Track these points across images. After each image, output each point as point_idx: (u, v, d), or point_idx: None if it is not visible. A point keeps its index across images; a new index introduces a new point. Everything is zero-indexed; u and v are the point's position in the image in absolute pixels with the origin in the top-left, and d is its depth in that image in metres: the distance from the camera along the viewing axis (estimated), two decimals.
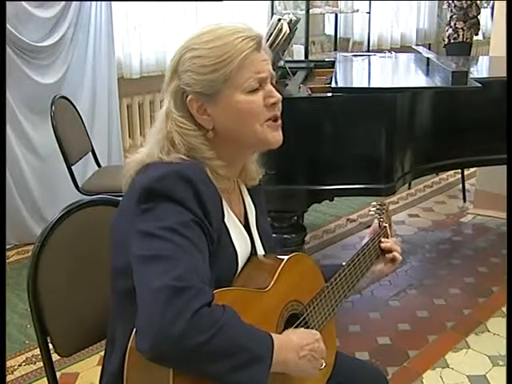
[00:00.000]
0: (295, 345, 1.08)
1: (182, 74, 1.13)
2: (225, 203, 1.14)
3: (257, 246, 1.26)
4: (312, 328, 1.20)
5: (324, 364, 1.14)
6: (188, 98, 1.12)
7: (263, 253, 1.27)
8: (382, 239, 1.45)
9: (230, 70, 1.10)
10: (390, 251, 1.44)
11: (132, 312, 0.99)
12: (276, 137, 1.17)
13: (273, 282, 1.14)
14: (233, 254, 1.15)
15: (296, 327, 1.17)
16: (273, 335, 1.04)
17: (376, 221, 1.50)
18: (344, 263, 1.38)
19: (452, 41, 5.77)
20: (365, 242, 1.43)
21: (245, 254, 1.20)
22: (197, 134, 1.13)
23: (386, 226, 1.49)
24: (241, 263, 1.17)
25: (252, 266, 1.20)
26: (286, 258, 1.20)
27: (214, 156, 1.13)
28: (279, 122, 1.18)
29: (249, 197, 1.29)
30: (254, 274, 1.17)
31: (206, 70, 1.11)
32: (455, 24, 5.79)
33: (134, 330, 0.99)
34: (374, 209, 1.53)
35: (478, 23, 5.87)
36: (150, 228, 1.01)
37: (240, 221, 1.21)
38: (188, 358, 0.94)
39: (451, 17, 5.86)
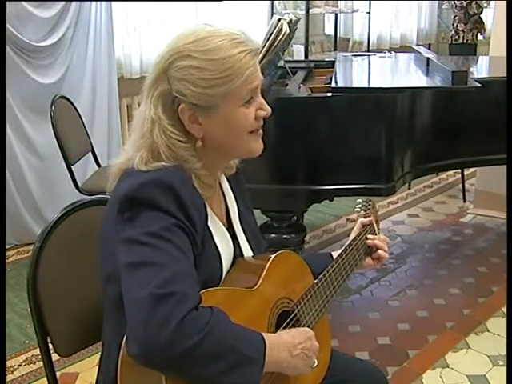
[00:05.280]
0: (288, 344, 1.08)
1: (174, 80, 1.08)
2: (207, 206, 1.13)
3: (241, 243, 1.25)
4: (304, 325, 1.20)
5: (316, 362, 1.15)
6: (180, 107, 1.09)
7: (249, 249, 1.26)
8: (368, 236, 1.46)
9: (232, 86, 1.08)
10: (377, 249, 1.45)
11: (124, 317, 0.99)
12: (258, 146, 1.17)
13: (260, 280, 1.13)
14: (217, 258, 1.14)
15: (287, 324, 1.17)
16: (264, 335, 1.04)
17: (359, 217, 1.50)
18: (332, 252, 1.40)
19: (454, 42, 5.79)
20: (352, 236, 1.44)
21: (228, 256, 1.19)
22: (186, 146, 1.10)
23: (372, 221, 1.49)
24: (225, 266, 1.16)
25: (238, 268, 1.20)
26: (272, 256, 1.19)
27: (200, 167, 1.11)
28: (261, 131, 1.17)
29: (230, 190, 1.27)
30: (241, 276, 1.17)
31: (206, 84, 1.07)
32: (457, 26, 5.81)
33: (126, 335, 0.99)
34: (360, 205, 1.54)
35: (481, 21, 5.87)
36: (133, 235, 1.01)
37: (222, 221, 1.21)
38: (178, 362, 0.94)
39: (454, 18, 5.88)
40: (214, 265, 1.14)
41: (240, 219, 1.27)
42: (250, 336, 1.03)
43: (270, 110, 1.16)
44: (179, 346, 0.93)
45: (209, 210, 1.14)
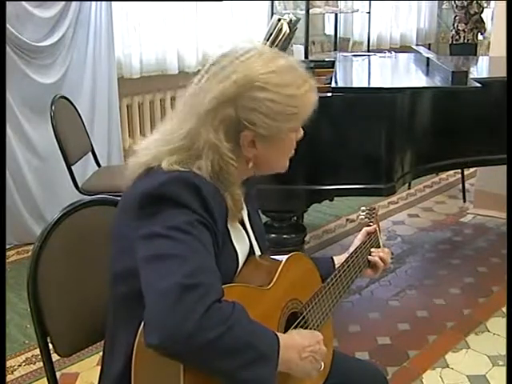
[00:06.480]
0: (298, 345, 1.09)
1: (244, 108, 1.08)
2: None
3: (253, 243, 1.26)
4: (311, 327, 1.21)
5: (323, 365, 1.15)
6: (244, 133, 1.10)
7: (258, 250, 1.27)
8: (373, 250, 1.48)
9: (300, 120, 1.15)
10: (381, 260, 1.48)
11: (134, 314, 0.99)
12: (288, 162, 1.24)
13: (274, 280, 1.15)
14: (234, 256, 1.15)
15: (296, 326, 1.18)
16: (278, 334, 1.05)
17: (363, 226, 1.53)
18: (334, 257, 1.43)
19: (454, 42, 5.80)
20: (358, 243, 1.46)
21: (244, 254, 1.20)
22: (238, 171, 1.12)
23: (376, 229, 1.53)
24: (241, 264, 1.18)
25: (251, 266, 1.21)
26: (285, 257, 1.21)
27: (240, 193, 1.14)
28: None
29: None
30: (254, 274, 1.18)
31: (280, 118, 1.10)
32: (457, 26, 5.82)
33: (142, 325, 0.99)
34: (364, 213, 1.57)
35: (482, 21, 5.87)
36: (156, 229, 1.01)
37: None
38: (197, 354, 0.95)
39: (455, 18, 5.88)
40: (230, 265, 1.14)
41: (249, 219, 1.28)
42: (266, 333, 1.03)
43: (302, 132, 1.22)
44: (201, 338, 0.93)
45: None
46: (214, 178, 1.09)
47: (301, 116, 1.14)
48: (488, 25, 6.07)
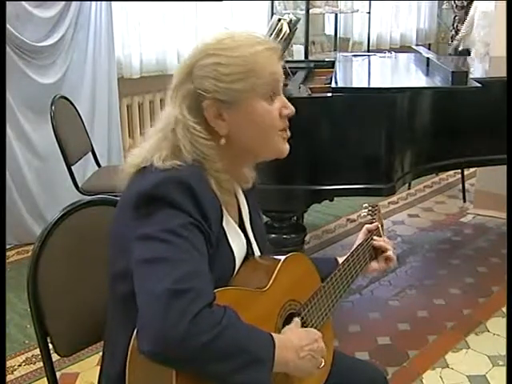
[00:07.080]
0: (295, 345, 1.08)
1: (198, 78, 1.10)
2: (223, 208, 1.14)
3: (253, 244, 1.25)
4: (310, 327, 1.20)
5: (323, 363, 1.15)
6: (205, 104, 1.10)
7: (258, 251, 1.27)
8: (375, 237, 1.47)
9: (255, 81, 1.11)
10: (384, 251, 1.46)
11: (133, 315, 0.99)
12: (285, 147, 1.19)
13: (271, 281, 1.14)
14: (230, 256, 1.15)
15: None
16: (273, 335, 1.04)
17: (365, 223, 1.52)
18: (338, 258, 1.42)
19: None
20: (358, 242, 1.45)
21: (241, 255, 1.20)
22: (211, 143, 1.10)
23: (378, 227, 1.51)
24: (238, 265, 1.17)
25: (249, 267, 1.20)
26: (283, 258, 1.20)
27: (222, 169, 1.12)
28: (288, 133, 1.19)
29: (242, 195, 1.28)
30: (252, 275, 1.17)
31: (231, 79, 1.09)
32: (457, 26, 5.82)
33: (136, 330, 0.99)
34: (367, 210, 1.56)
35: None
36: (149, 231, 1.01)
37: (235, 221, 1.21)
38: (189, 359, 0.94)
39: (454, 18, 5.89)
40: (227, 265, 1.14)
41: (250, 220, 1.27)
42: (260, 336, 1.03)
43: (293, 108, 1.18)
44: (191, 343, 0.93)
45: (224, 210, 1.14)
46: (196, 161, 1.09)
47: (255, 76, 1.10)
48: None
